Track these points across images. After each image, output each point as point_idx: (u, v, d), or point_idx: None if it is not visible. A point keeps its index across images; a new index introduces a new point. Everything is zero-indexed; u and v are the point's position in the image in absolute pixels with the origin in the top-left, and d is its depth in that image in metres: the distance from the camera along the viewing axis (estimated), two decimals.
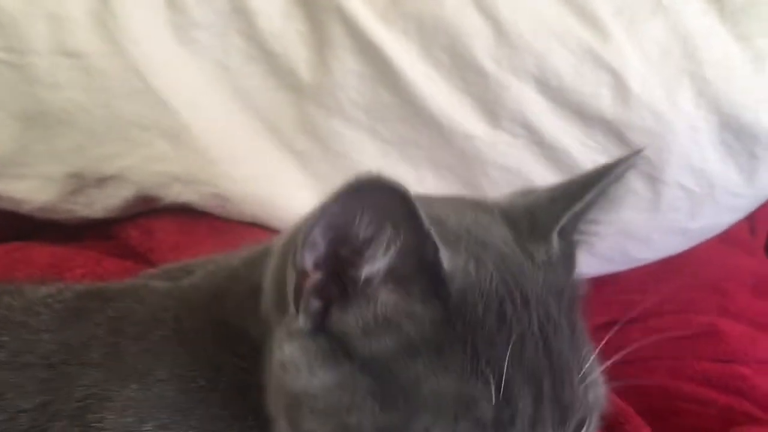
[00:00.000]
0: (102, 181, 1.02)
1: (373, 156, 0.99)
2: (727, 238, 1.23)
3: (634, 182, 0.98)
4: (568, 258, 0.62)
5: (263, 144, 1.01)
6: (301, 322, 0.53)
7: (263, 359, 0.58)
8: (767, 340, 1.04)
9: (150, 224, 1.05)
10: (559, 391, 0.53)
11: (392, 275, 0.52)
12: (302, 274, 0.52)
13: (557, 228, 0.60)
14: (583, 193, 0.60)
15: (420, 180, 1.00)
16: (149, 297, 0.66)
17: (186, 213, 1.05)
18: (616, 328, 0.62)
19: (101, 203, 1.04)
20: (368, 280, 0.52)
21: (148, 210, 1.06)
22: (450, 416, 0.50)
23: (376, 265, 0.51)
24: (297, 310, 0.53)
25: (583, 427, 0.57)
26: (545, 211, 0.61)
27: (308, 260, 0.51)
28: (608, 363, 0.59)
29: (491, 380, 0.50)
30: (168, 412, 0.58)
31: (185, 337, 0.62)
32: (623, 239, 1.05)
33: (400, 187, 0.47)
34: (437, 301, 0.52)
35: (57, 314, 0.65)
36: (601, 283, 1.05)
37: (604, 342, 0.60)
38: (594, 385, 0.57)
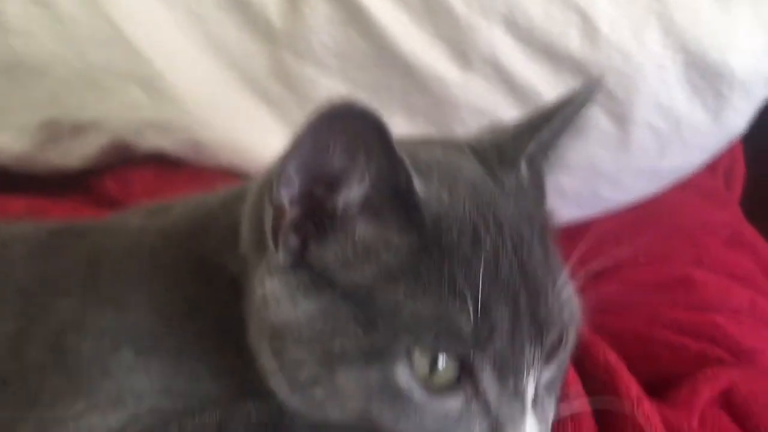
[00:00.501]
0: (77, 129, 1.02)
1: None
2: (703, 191, 1.25)
3: (603, 121, 0.99)
4: (537, 187, 0.64)
5: (237, 91, 1.02)
6: (281, 257, 0.55)
7: (242, 294, 0.59)
8: (741, 290, 1.04)
9: (127, 174, 1.06)
10: (534, 307, 0.55)
11: (367, 206, 0.53)
12: (279, 211, 0.53)
13: (524, 155, 0.62)
14: (548, 122, 0.62)
15: (393, 126, 0.96)
16: (124, 233, 0.67)
17: (163, 163, 1.06)
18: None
19: (77, 152, 1.05)
20: (344, 213, 0.53)
21: (124, 160, 1.07)
22: (430, 336, 0.52)
23: (351, 195, 0.53)
24: (276, 247, 0.55)
25: (561, 342, 0.59)
26: (511, 142, 0.63)
27: (284, 196, 0.53)
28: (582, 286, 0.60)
29: (468, 299, 0.51)
30: (145, 338, 0.59)
31: (161, 270, 0.63)
32: (593, 179, 1.06)
33: (372, 112, 0.47)
34: (413, 228, 0.53)
35: (32, 249, 0.66)
36: (575, 234, 1.06)
37: (580, 292, 0.61)
38: (568, 303, 0.59)
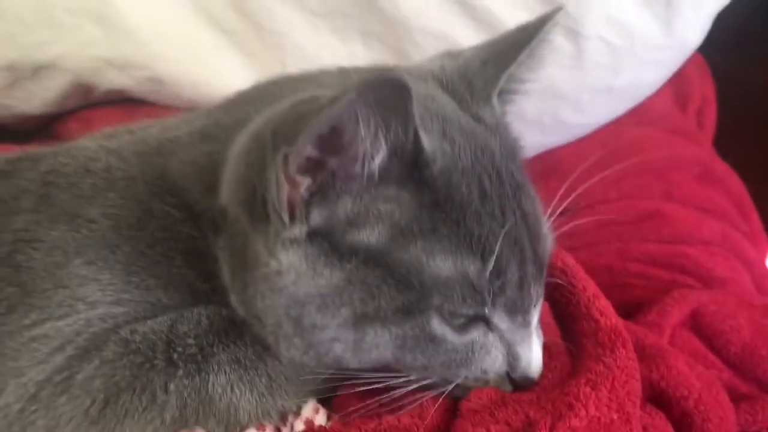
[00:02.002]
0: (36, 71, 1.03)
1: (304, 30, 1.00)
2: (673, 128, 1.26)
3: (557, 39, 0.98)
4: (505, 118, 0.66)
5: (194, 24, 1.02)
6: (298, 230, 0.54)
7: (201, 220, 0.61)
8: (712, 222, 1.05)
9: (89, 115, 1.07)
10: (535, 248, 0.58)
11: (381, 168, 0.53)
12: (294, 184, 0.53)
13: (496, 91, 0.64)
14: (515, 54, 0.64)
15: (350, 52, 1.01)
16: (81, 153, 0.67)
17: (124, 103, 1.06)
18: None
19: (38, 96, 1.05)
20: (359, 177, 0.53)
21: (87, 104, 1.07)
22: (457, 294, 0.54)
23: (367, 162, 0.52)
24: (291, 220, 0.54)
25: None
26: (479, 75, 0.65)
27: (299, 170, 0.52)
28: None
29: (485, 258, 0.54)
30: (96, 250, 0.60)
31: (116, 183, 0.63)
32: (552, 101, 1.06)
33: (407, 81, 0.47)
34: (424, 185, 0.54)
35: None
36: (546, 172, 1.06)
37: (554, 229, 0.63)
38: (550, 233, 0.62)
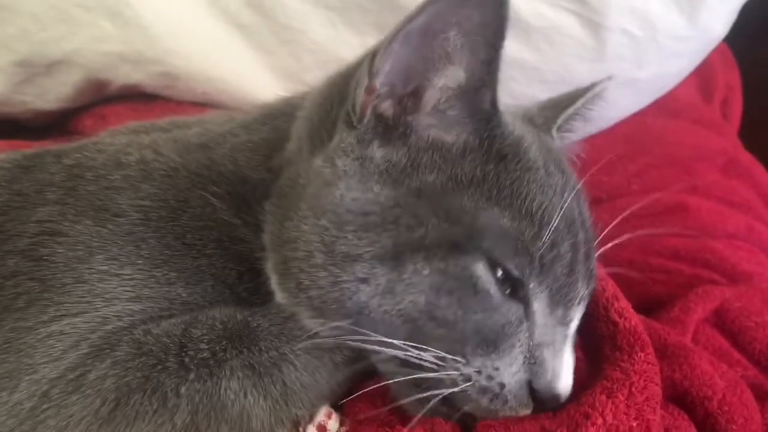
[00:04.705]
0: (50, 67, 1.02)
1: (319, 25, 0.99)
2: (698, 120, 1.23)
3: (578, 31, 0.97)
4: None
5: (208, 20, 1.00)
6: (363, 131, 0.56)
7: (247, 201, 0.61)
8: (737, 215, 1.03)
9: (103, 111, 1.06)
10: (588, 250, 0.58)
11: (458, 98, 0.55)
12: (371, 90, 0.54)
13: (556, 125, 0.68)
14: (573, 101, 0.69)
15: (367, 48, 0.99)
16: (109, 147, 0.66)
17: (137, 98, 1.05)
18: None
19: (53, 92, 1.04)
20: (434, 96, 0.55)
21: (101, 99, 1.07)
22: (508, 246, 0.53)
23: (443, 84, 0.54)
24: (360, 123, 0.55)
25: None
26: (539, 115, 0.68)
27: (382, 70, 0.53)
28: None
29: (542, 224, 0.53)
30: (119, 245, 0.59)
31: (152, 174, 0.63)
32: None
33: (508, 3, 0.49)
34: (494, 138, 0.55)
35: (7, 171, 0.65)
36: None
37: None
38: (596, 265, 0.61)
